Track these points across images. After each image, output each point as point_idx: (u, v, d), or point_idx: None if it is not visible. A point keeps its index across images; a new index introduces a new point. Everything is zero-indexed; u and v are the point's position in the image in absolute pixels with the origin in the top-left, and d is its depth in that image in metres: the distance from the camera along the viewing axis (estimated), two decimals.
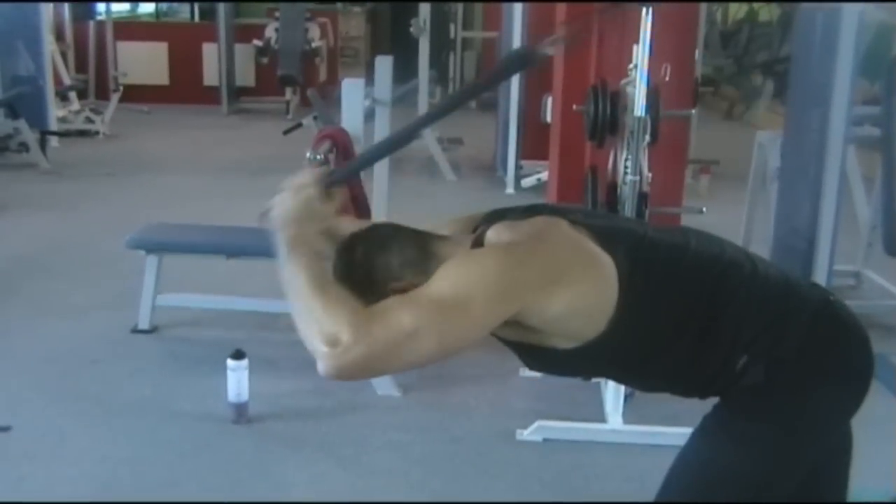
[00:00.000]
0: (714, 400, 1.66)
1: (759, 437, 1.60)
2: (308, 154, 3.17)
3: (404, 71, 7.07)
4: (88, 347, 3.84)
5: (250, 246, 3.66)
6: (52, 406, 3.34)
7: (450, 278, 1.47)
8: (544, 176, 6.34)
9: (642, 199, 3.31)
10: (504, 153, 7.02)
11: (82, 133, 8.69)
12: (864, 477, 1.81)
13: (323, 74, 10.72)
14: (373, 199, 3.54)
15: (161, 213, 5.22)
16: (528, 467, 3.01)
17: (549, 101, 5.78)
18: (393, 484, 2.90)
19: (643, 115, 3.22)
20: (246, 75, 10.77)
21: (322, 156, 3.17)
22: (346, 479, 2.93)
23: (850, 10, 3.58)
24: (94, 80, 10.19)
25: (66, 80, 9.09)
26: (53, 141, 7.89)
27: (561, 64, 5.03)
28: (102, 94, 9.90)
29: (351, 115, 3.47)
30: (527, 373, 3.44)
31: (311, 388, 3.39)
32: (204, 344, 3.91)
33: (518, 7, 6.71)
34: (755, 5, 11.82)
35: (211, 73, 10.58)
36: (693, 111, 4.66)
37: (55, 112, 8.14)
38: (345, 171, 1.63)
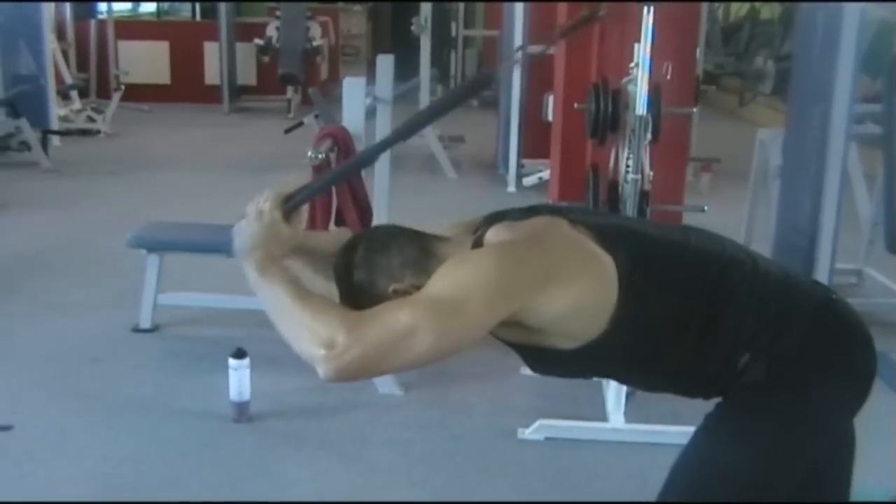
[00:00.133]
0: (717, 399, 1.65)
1: (761, 435, 1.60)
2: (309, 153, 3.17)
3: (406, 69, 7.07)
4: (89, 346, 3.84)
5: None
6: (53, 404, 3.35)
7: (448, 277, 1.47)
8: (546, 174, 6.33)
9: (643, 197, 3.31)
10: (505, 151, 7.01)
11: (84, 132, 8.69)
12: (864, 475, 1.81)
13: (324, 73, 10.74)
14: (374, 197, 3.54)
15: (162, 211, 5.22)
16: (529, 465, 3.01)
17: (551, 99, 5.80)
18: (394, 482, 2.90)
19: (644, 113, 3.22)
20: (247, 74, 10.77)
21: (323, 154, 3.17)
22: (347, 476, 2.93)
23: (851, 8, 3.58)
24: (96, 79, 10.19)
25: (68, 79, 9.08)
26: (55, 140, 7.89)
27: (562, 62, 5.04)
28: (104, 92, 9.88)
29: (352, 113, 3.47)
30: (528, 371, 3.42)
31: (313, 386, 3.37)
32: (205, 342, 3.91)
33: (519, 5, 6.71)
34: (756, 4, 11.81)
35: (212, 72, 10.58)
36: (694, 109, 4.66)
37: (56, 111, 8.13)
38: (307, 193, 1.64)
